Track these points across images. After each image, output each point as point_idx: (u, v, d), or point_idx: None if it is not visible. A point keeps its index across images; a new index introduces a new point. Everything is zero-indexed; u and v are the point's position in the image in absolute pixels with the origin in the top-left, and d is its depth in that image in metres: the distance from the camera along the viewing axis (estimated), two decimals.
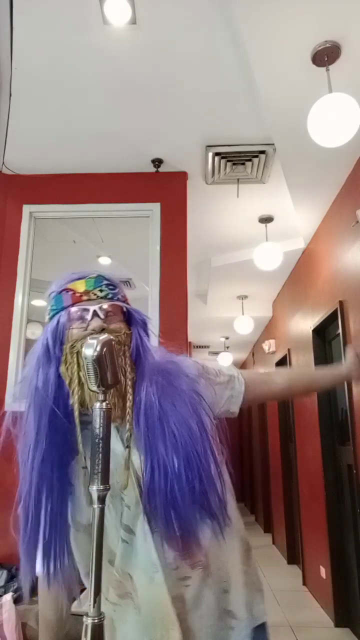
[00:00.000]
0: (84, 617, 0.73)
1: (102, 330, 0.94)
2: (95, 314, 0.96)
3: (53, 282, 1.05)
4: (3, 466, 3.01)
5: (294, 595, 4.05)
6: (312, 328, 3.79)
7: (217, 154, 2.97)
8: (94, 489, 0.77)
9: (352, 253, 2.92)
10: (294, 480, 4.62)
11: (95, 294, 0.99)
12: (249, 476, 8.63)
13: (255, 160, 3.02)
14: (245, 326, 5.48)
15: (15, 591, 2.26)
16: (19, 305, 3.00)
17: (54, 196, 3.20)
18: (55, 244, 3.81)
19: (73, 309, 0.97)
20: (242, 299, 5.53)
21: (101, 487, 0.78)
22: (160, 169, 3.16)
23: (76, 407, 0.92)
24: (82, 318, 0.96)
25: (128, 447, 0.93)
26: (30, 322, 3.18)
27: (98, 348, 0.79)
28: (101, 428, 0.80)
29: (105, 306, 0.98)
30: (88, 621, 0.73)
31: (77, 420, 0.92)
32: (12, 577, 2.39)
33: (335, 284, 3.27)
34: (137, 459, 0.94)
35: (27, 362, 1.02)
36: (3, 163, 3.11)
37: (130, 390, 0.94)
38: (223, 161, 3.04)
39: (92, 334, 0.93)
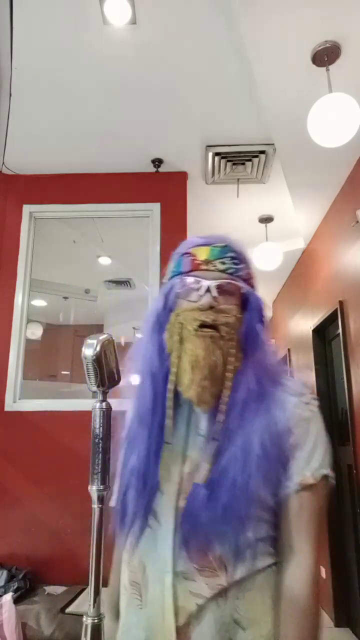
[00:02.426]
0: (84, 616, 0.73)
1: (210, 308, 0.85)
2: (208, 289, 0.87)
3: (184, 243, 0.96)
4: (3, 466, 3.02)
5: None
6: (312, 328, 3.79)
7: (217, 154, 2.97)
8: (94, 489, 0.76)
9: (352, 253, 2.92)
10: None
11: (214, 266, 0.89)
12: None
13: (255, 160, 3.02)
14: None
15: (15, 591, 2.26)
16: (19, 305, 3.00)
17: (54, 196, 3.20)
18: (55, 244, 3.81)
19: (188, 279, 0.89)
20: None
21: (101, 487, 0.76)
22: (160, 169, 3.16)
23: (172, 379, 0.85)
24: (194, 289, 0.88)
25: (215, 439, 0.83)
26: (30, 322, 3.18)
27: (98, 348, 0.77)
28: (101, 428, 0.78)
29: (221, 283, 0.87)
30: (88, 621, 0.72)
31: (170, 387, 0.86)
32: (12, 577, 2.39)
33: (335, 284, 3.27)
34: (195, 452, 0.85)
35: (143, 325, 0.95)
36: (3, 163, 3.11)
37: (229, 376, 0.84)
38: (223, 161, 3.04)
39: (200, 309, 0.86)
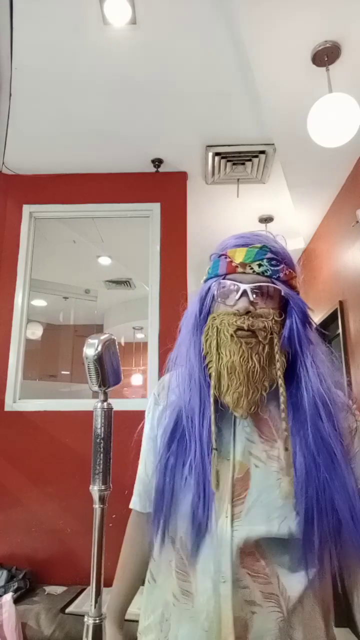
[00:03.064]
0: (85, 617, 0.72)
1: (247, 313, 0.84)
2: (244, 293, 0.85)
3: (221, 242, 0.94)
4: (3, 466, 3.01)
5: None
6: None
7: (217, 154, 2.97)
8: (95, 489, 0.75)
9: (352, 253, 2.92)
10: None
11: (252, 268, 0.86)
12: None
13: (255, 160, 3.02)
14: None
15: (15, 591, 2.26)
16: (19, 305, 3.00)
17: (54, 196, 3.20)
18: (55, 244, 3.81)
19: (224, 281, 0.87)
20: None
21: (102, 487, 0.76)
22: (160, 169, 3.16)
23: (213, 384, 0.84)
24: (231, 293, 0.86)
25: (287, 449, 0.81)
26: (30, 322, 3.18)
27: (99, 348, 0.76)
28: (102, 428, 0.78)
29: (258, 286, 0.85)
30: (89, 621, 0.71)
31: (212, 391, 0.84)
32: (12, 577, 2.39)
33: (335, 284, 3.27)
34: (242, 453, 0.84)
35: (182, 324, 0.94)
36: (3, 163, 3.11)
37: (281, 381, 0.83)
38: (223, 161, 3.04)
39: (236, 313, 0.84)
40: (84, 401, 2.93)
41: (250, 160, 3.03)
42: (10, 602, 2.10)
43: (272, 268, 0.87)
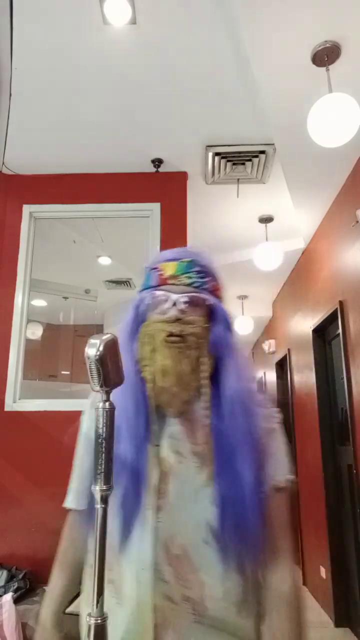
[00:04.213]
0: (87, 617, 0.72)
1: (177, 320, 0.91)
2: (174, 304, 0.93)
3: (154, 257, 1.02)
4: (3, 466, 3.01)
5: None
6: (312, 328, 3.79)
7: (217, 154, 2.97)
8: (97, 489, 0.76)
9: (352, 253, 2.92)
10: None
11: (181, 280, 0.95)
12: None
13: (255, 160, 3.02)
14: (245, 326, 5.48)
15: (15, 591, 2.26)
16: (19, 305, 3.00)
17: (54, 196, 3.20)
18: (55, 244, 3.81)
19: (157, 292, 0.95)
20: (242, 299, 5.53)
21: (104, 488, 0.77)
22: (160, 169, 3.16)
23: (149, 385, 0.91)
24: (162, 303, 0.94)
25: (208, 443, 0.88)
26: (30, 322, 3.18)
27: (101, 348, 0.76)
28: (104, 428, 0.79)
29: (187, 297, 0.93)
30: (91, 621, 0.71)
31: (151, 401, 0.91)
32: (12, 577, 2.39)
33: (335, 284, 3.27)
34: (170, 454, 0.90)
35: (118, 333, 0.96)
36: (3, 163, 3.11)
37: (205, 382, 0.90)
38: (223, 161, 3.04)
39: (167, 321, 0.92)
40: (84, 401, 2.92)
41: (250, 160, 3.03)
42: (10, 602, 2.10)
43: (200, 280, 0.95)
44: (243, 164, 3.07)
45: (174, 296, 0.93)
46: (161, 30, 2.16)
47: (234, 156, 3.00)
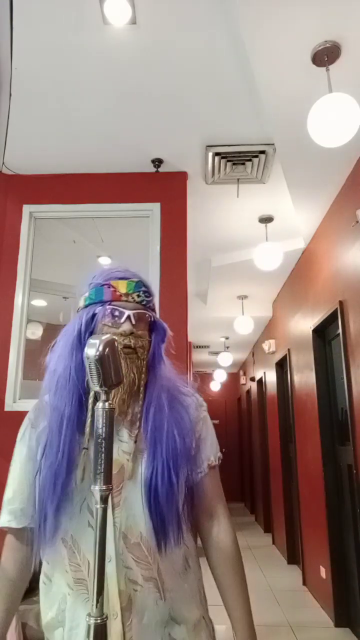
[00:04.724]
0: (87, 617, 0.73)
1: (131, 334, 1.02)
2: (129, 317, 1.04)
3: (96, 272, 1.11)
4: (3, 466, 3.01)
5: (294, 595, 4.05)
6: (312, 328, 3.80)
7: (217, 154, 2.97)
8: (97, 489, 0.78)
9: (352, 253, 2.92)
10: (294, 480, 4.62)
11: (133, 298, 1.06)
12: (249, 476, 8.63)
13: (255, 160, 3.02)
14: (245, 326, 5.48)
15: None
16: (19, 305, 3.00)
17: (54, 196, 3.20)
18: (55, 244, 3.81)
19: (110, 307, 1.04)
20: (242, 299, 5.53)
21: (104, 487, 0.78)
22: (160, 169, 3.16)
23: (92, 394, 1.00)
24: (116, 317, 1.04)
25: (136, 441, 1.01)
26: (30, 322, 3.18)
27: (100, 348, 0.79)
28: (104, 428, 0.79)
29: (138, 312, 1.05)
30: (91, 621, 0.72)
31: (91, 401, 1.00)
32: None
33: (335, 284, 3.27)
34: (120, 452, 1.00)
35: (58, 341, 1.09)
36: (3, 163, 3.11)
37: (142, 389, 1.04)
38: (223, 161, 3.04)
39: (122, 334, 1.02)
40: None
41: (250, 160, 3.03)
42: None
43: (146, 299, 1.09)
44: (243, 164, 3.07)
45: (128, 312, 1.04)
46: (161, 30, 2.16)
47: (234, 156, 3.00)
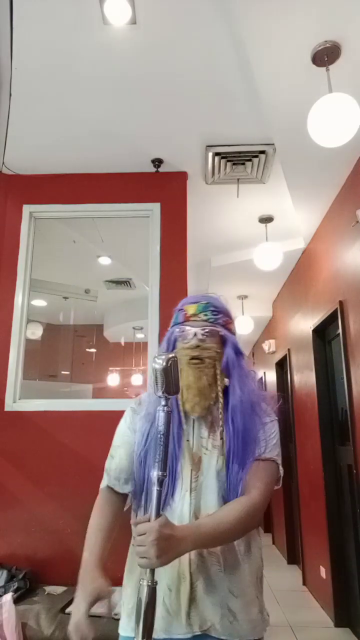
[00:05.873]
0: (141, 580, 0.97)
1: (197, 347, 1.22)
2: (194, 334, 1.24)
3: (181, 301, 1.34)
4: (3, 466, 3.01)
5: (294, 595, 4.05)
6: (312, 328, 3.80)
7: (217, 154, 2.97)
8: (155, 474, 1.00)
9: (352, 253, 2.92)
10: (294, 480, 4.62)
11: (200, 317, 1.26)
12: None
13: (255, 160, 3.02)
14: (245, 326, 5.48)
15: (15, 591, 2.26)
16: (19, 305, 3.00)
17: (54, 196, 3.20)
18: (55, 244, 3.81)
19: (181, 327, 1.26)
20: (242, 299, 5.53)
21: (160, 473, 1.00)
22: (160, 169, 3.16)
23: (179, 396, 1.18)
24: (186, 334, 1.25)
25: (222, 438, 1.19)
26: (30, 322, 3.18)
27: (164, 363, 1.00)
28: (164, 426, 1.01)
29: (204, 329, 1.24)
30: (144, 583, 0.95)
31: (180, 408, 1.20)
32: (12, 577, 2.39)
33: (335, 284, 3.27)
34: (197, 446, 1.20)
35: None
36: (3, 163, 3.11)
37: (220, 394, 1.20)
38: (223, 161, 3.04)
39: (190, 347, 1.22)
40: (84, 401, 2.94)
41: (250, 160, 3.03)
42: (10, 602, 2.10)
43: (214, 316, 1.26)
44: (243, 164, 3.07)
45: (194, 329, 1.24)
46: (161, 30, 2.16)
47: (234, 156, 3.00)
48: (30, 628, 2.07)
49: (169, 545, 0.98)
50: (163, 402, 1.01)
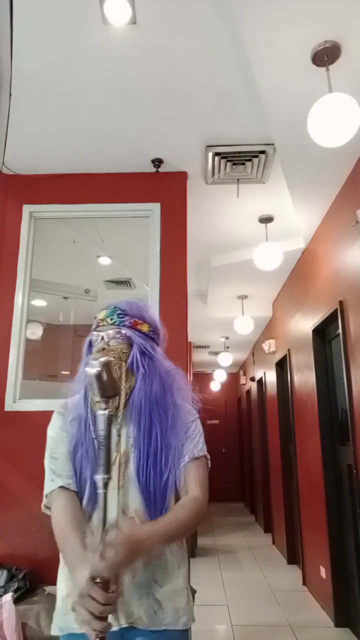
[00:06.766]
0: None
1: (103, 349, 1.29)
2: (102, 338, 1.32)
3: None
4: (3, 466, 3.01)
5: (294, 595, 4.05)
6: (312, 328, 3.80)
7: (217, 154, 2.97)
8: (99, 477, 1.02)
9: (352, 253, 2.92)
10: (294, 480, 4.62)
11: (107, 322, 1.34)
12: (249, 476, 8.63)
13: (255, 160, 3.02)
14: (245, 326, 5.48)
15: (15, 591, 2.26)
16: (19, 305, 3.00)
17: (54, 196, 3.20)
18: (55, 244, 3.81)
19: (94, 332, 1.35)
20: (242, 299, 5.53)
21: (105, 476, 1.02)
22: (160, 169, 3.16)
23: (92, 397, 1.23)
24: (95, 339, 1.34)
25: (119, 435, 1.26)
26: (30, 322, 3.18)
27: (97, 367, 1.03)
28: (104, 430, 1.02)
29: (109, 332, 1.32)
30: (97, 579, 0.97)
31: (90, 405, 1.26)
32: (12, 577, 2.39)
33: (335, 284, 3.27)
34: (124, 445, 1.26)
35: (81, 360, 1.39)
36: (3, 163, 3.11)
37: (123, 393, 1.26)
38: (223, 161, 3.04)
39: (97, 351, 1.29)
40: None
41: (250, 160, 3.03)
42: (10, 602, 2.10)
43: (120, 319, 1.34)
44: (243, 164, 3.07)
45: (101, 333, 1.33)
46: (161, 30, 2.16)
47: (234, 156, 3.00)
48: (30, 628, 2.07)
49: (136, 553, 1.05)
50: (103, 406, 1.04)
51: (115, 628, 1.11)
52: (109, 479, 1.02)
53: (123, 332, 1.32)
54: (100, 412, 1.03)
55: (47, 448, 1.36)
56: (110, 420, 1.03)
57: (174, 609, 1.18)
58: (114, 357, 1.27)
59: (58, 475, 1.26)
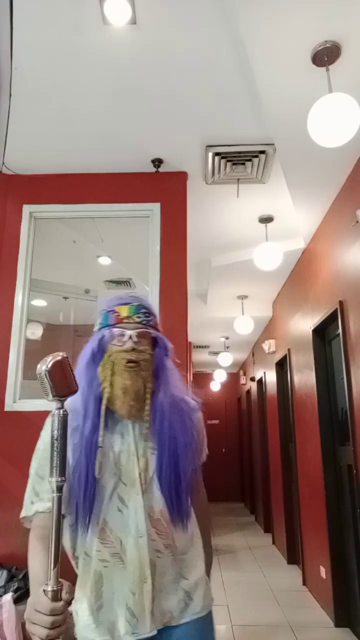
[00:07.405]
0: (45, 586, 0.91)
1: (133, 350, 1.21)
2: (130, 337, 1.22)
3: (104, 301, 1.31)
4: (3, 466, 3.01)
5: (294, 595, 4.05)
6: (312, 328, 3.80)
7: (217, 154, 2.97)
8: (53, 480, 0.94)
9: (352, 253, 2.92)
10: (294, 480, 4.62)
11: (133, 319, 1.25)
12: (249, 476, 8.63)
13: (255, 160, 3.02)
14: (245, 326, 5.48)
15: (15, 591, 2.26)
16: (19, 305, 3.00)
17: (54, 196, 3.20)
18: (55, 244, 3.81)
19: (115, 329, 1.24)
20: (242, 299, 5.53)
21: (59, 479, 0.94)
22: (160, 169, 3.16)
23: (104, 400, 1.19)
24: (120, 337, 1.23)
25: (147, 440, 1.22)
26: (30, 322, 3.18)
27: (50, 364, 0.95)
28: (57, 431, 0.95)
29: (138, 331, 1.24)
30: (48, 588, 0.91)
31: (103, 408, 1.19)
32: (12, 577, 2.39)
33: (335, 284, 3.27)
34: (142, 449, 1.22)
35: (79, 362, 1.27)
36: (3, 163, 3.11)
37: (148, 396, 1.21)
38: (223, 161, 3.04)
39: (126, 350, 1.21)
40: None
41: (250, 160, 3.03)
42: (10, 602, 2.10)
43: (146, 319, 1.27)
44: (243, 164, 3.07)
45: (129, 332, 1.23)
46: (161, 30, 2.16)
47: (234, 156, 3.00)
48: None
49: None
50: (58, 405, 0.97)
51: (154, 632, 1.13)
52: (63, 482, 0.94)
53: (151, 333, 1.27)
54: (54, 412, 0.96)
55: (35, 458, 1.24)
56: (66, 421, 0.96)
57: (201, 596, 1.22)
58: (143, 359, 1.21)
59: (40, 499, 1.18)
